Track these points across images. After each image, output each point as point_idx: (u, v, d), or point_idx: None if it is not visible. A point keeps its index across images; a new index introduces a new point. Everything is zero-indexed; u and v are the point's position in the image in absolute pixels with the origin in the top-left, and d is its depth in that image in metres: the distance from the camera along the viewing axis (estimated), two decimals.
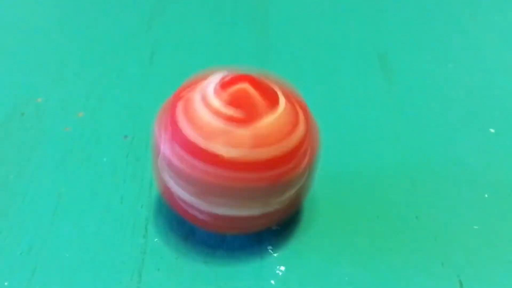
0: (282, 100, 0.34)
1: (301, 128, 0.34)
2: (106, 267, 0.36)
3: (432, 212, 0.40)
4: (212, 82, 0.34)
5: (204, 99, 0.33)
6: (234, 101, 0.32)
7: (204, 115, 0.32)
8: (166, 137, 0.34)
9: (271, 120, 0.32)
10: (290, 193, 0.34)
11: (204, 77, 0.35)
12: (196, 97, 0.33)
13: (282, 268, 0.36)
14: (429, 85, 0.52)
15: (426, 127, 0.47)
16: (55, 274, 0.36)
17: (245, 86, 0.33)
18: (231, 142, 0.32)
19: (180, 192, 0.34)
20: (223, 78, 0.34)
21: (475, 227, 0.39)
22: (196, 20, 0.61)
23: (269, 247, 0.37)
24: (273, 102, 0.33)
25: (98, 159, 0.44)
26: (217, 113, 0.32)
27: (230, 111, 0.32)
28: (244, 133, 0.32)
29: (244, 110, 0.32)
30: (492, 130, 0.47)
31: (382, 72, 0.54)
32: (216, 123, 0.32)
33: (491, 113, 0.49)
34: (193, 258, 0.37)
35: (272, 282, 0.35)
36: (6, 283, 0.36)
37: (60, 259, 0.37)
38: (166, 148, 0.33)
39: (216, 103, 0.32)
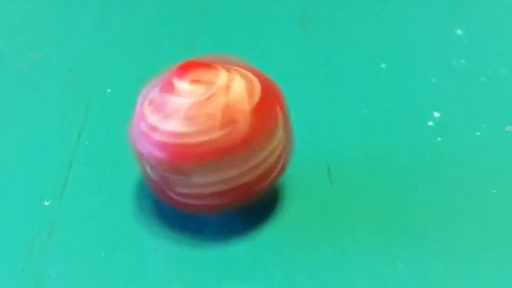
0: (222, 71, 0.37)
1: (257, 90, 0.37)
2: (42, 163, 0.45)
3: (322, 126, 0.49)
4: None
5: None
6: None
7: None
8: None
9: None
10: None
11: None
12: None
13: None
14: (340, 34, 0.60)
15: (332, 66, 0.56)
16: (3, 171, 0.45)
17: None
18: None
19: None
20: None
21: (351, 133, 0.48)
22: None
23: None
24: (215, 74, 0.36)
25: (45, 89, 0.53)
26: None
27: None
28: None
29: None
30: (383, 65, 0.56)
31: (301, 27, 0.62)
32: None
33: (383, 51, 0.57)
34: (119, 157, 0.45)
35: None
36: None
37: (8, 159, 0.45)
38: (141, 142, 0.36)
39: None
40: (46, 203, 0.41)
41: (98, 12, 0.63)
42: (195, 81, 0.35)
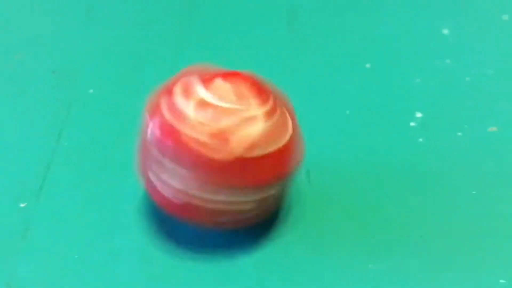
0: (271, 100, 0.36)
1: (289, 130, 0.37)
2: (20, 164, 0.45)
3: (303, 127, 0.48)
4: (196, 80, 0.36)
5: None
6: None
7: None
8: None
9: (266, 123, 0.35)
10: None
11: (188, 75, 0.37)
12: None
13: None
14: (326, 34, 0.60)
15: (317, 66, 0.56)
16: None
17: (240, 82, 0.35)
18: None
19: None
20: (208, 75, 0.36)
21: (333, 134, 0.48)
22: None
23: None
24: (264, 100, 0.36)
25: (28, 90, 0.53)
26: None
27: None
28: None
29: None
30: (368, 65, 0.55)
31: (288, 27, 0.62)
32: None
33: (369, 51, 0.57)
34: (97, 158, 0.45)
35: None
36: None
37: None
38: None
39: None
40: (22, 205, 0.41)
41: (84, 14, 0.63)
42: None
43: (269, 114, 0.35)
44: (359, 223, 0.41)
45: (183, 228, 0.40)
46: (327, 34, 0.60)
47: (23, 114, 0.50)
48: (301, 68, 0.56)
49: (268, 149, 0.35)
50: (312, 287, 0.37)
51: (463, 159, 0.45)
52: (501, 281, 0.37)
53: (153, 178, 0.36)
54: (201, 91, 0.35)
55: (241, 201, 0.35)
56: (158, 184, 0.36)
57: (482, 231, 0.40)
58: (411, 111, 0.50)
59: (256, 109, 0.35)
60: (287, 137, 0.36)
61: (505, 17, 0.62)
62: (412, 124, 0.48)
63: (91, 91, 0.52)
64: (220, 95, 0.35)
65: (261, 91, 0.36)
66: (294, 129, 0.37)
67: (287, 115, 0.37)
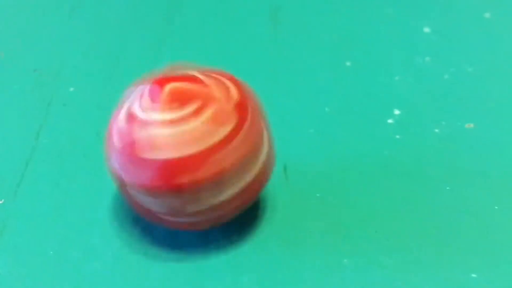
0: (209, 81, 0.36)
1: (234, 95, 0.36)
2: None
3: (282, 124, 0.48)
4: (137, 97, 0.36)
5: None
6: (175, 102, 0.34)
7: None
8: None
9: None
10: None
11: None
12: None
13: None
14: (310, 32, 0.60)
15: (299, 64, 0.56)
16: None
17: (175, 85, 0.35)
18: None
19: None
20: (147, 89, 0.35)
21: (311, 131, 0.48)
22: None
23: None
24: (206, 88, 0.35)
25: (9, 88, 0.53)
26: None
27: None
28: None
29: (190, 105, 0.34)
30: (348, 63, 0.56)
31: (271, 23, 0.62)
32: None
33: (350, 49, 0.57)
34: (76, 156, 0.46)
35: None
36: None
37: None
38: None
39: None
40: (0, 202, 0.42)
41: (67, 13, 0.63)
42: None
43: (179, 121, 0.34)
44: (336, 219, 0.41)
45: (158, 228, 0.40)
46: (309, 32, 0.60)
47: (2, 111, 0.50)
48: (282, 66, 0.56)
49: (167, 155, 0.33)
50: (289, 283, 0.37)
51: (438, 155, 0.45)
52: (473, 275, 0.37)
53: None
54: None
55: (149, 201, 0.35)
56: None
57: (454, 226, 0.40)
58: (389, 108, 0.50)
59: (165, 114, 0.34)
60: (195, 149, 0.33)
61: (487, 15, 0.62)
62: (390, 121, 0.49)
63: (71, 89, 0.53)
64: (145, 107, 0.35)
65: (182, 97, 0.34)
66: (224, 140, 0.34)
67: (218, 124, 0.35)
